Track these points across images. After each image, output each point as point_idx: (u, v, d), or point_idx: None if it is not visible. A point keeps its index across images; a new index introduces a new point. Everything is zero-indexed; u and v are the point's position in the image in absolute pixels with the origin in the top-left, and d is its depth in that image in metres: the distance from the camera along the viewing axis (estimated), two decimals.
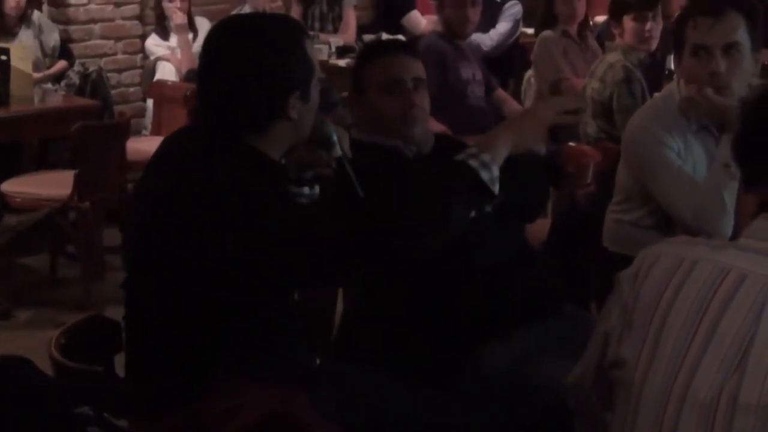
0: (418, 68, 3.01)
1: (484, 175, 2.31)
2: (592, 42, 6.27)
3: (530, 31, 7.10)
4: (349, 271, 2.37)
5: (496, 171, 2.34)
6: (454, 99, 5.50)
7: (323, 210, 2.45)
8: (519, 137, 2.45)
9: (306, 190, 2.62)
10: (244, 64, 2.34)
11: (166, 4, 7.00)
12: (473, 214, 2.39)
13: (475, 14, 5.76)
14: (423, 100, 2.99)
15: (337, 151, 2.55)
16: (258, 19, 2.61)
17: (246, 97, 2.33)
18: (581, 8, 6.23)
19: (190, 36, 6.99)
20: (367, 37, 7.82)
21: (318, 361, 2.55)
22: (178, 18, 6.94)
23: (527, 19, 7.52)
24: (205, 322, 2.28)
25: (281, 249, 2.20)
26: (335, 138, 2.54)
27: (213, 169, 2.26)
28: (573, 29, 6.19)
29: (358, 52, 3.36)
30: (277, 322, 2.40)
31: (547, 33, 6.18)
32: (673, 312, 1.65)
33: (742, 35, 3.14)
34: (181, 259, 2.24)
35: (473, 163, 2.32)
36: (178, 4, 6.95)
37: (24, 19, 6.51)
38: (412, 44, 3.20)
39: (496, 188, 2.34)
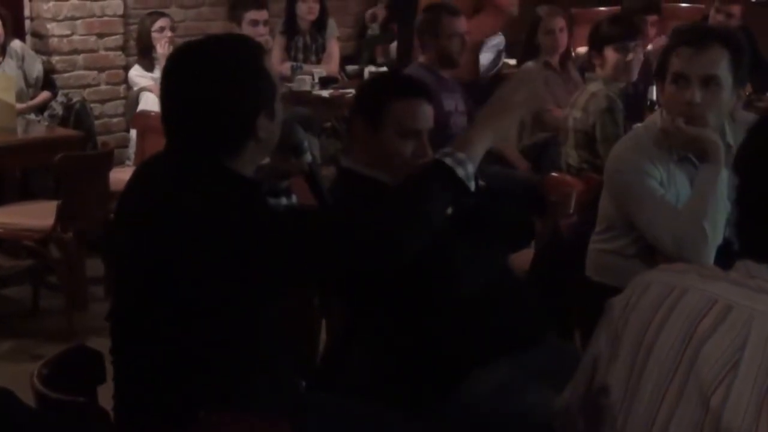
0: (432, 117, 2.99)
1: (460, 172, 2.36)
2: (574, 73, 6.31)
3: (513, 62, 7.14)
4: (334, 273, 2.39)
5: (471, 168, 2.39)
6: (437, 130, 5.49)
7: (302, 216, 2.49)
8: (494, 132, 2.49)
9: (283, 200, 2.65)
10: (210, 90, 2.33)
11: (156, 35, 7.02)
12: (450, 211, 2.45)
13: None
14: (431, 150, 2.94)
15: (308, 158, 2.60)
16: (215, 42, 2.61)
17: (215, 122, 2.33)
18: (563, 40, 6.27)
19: None
20: (351, 68, 7.87)
21: (304, 385, 2.54)
22: (161, 48, 6.96)
23: (510, 49, 7.57)
24: (190, 351, 2.28)
25: (266, 264, 2.22)
26: (306, 144, 2.59)
27: (189, 191, 2.25)
28: (555, 60, 6.24)
29: (380, 84, 3.28)
30: (262, 348, 2.39)
31: (528, 64, 6.21)
32: (660, 340, 1.66)
33: (723, 69, 3.15)
34: (163, 285, 2.24)
35: (448, 161, 2.37)
36: (168, 34, 6.97)
37: (6, 49, 6.51)
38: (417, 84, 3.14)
39: (472, 185, 2.39)
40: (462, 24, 5.85)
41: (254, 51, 2.42)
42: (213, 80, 2.34)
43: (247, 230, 2.19)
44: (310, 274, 2.35)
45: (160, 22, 7.02)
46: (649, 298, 1.71)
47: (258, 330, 2.37)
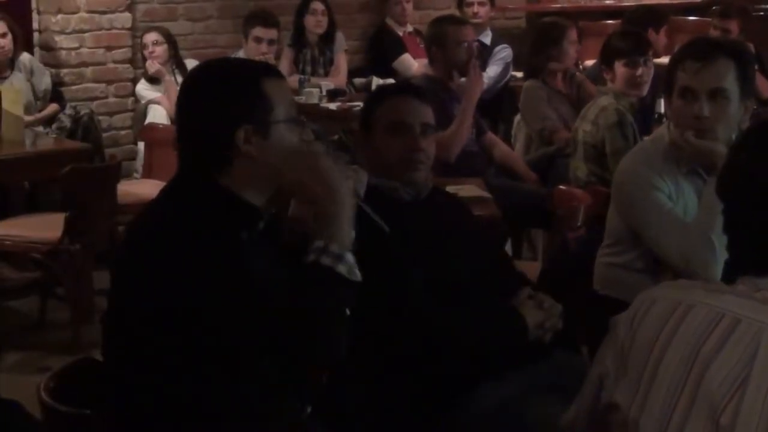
0: (427, 114, 3.01)
1: (342, 269, 2.26)
2: (575, 88, 6.27)
3: (520, 74, 7.13)
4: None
5: (350, 258, 2.28)
6: None
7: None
8: (343, 201, 2.31)
9: None
10: (194, 100, 2.39)
11: (145, 53, 7.06)
12: (348, 311, 2.31)
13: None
14: (429, 146, 3.00)
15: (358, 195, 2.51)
16: (221, 61, 2.65)
17: (197, 131, 2.37)
18: (574, 52, 6.26)
19: (180, 78, 7.02)
20: (358, 81, 7.88)
21: (309, 410, 2.52)
22: (150, 68, 7.00)
23: (517, 62, 7.57)
24: (186, 374, 2.25)
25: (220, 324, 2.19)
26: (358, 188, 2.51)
27: (179, 212, 2.29)
28: (557, 77, 6.19)
29: (371, 92, 3.34)
30: (264, 371, 2.34)
31: (530, 82, 6.20)
32: (667, 356, 1.64)
33: (730, 82, 3.15)
34: (153, 309, 2.23)
35: (325, 261, 2.26)
36: (154, 50, 6.99)
37: (14, 62, 6.52)
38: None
39: (357, 275, 2.29)
40: (469, 33, 5.88)
41: (253, 70, 2.43)
42: (198, 93, 2.40)
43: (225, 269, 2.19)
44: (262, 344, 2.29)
45: (144, 39, 7.06)
46: (654, 315, 1.70)
47: (256, 358, 2.31)
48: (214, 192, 2.32)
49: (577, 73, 6.35)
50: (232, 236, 2.28)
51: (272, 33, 7.15)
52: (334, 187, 2.30)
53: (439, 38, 5.75)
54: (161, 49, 7.01)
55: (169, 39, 7.10)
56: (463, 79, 5.74)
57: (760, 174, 1.70)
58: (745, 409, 1.55)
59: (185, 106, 2.42)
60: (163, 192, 2.42)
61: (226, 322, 2.19)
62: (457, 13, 8.11)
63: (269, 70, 2.46)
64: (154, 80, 7.08)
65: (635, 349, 1.69)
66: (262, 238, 2.40)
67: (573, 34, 6.24)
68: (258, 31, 7.11)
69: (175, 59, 7.12)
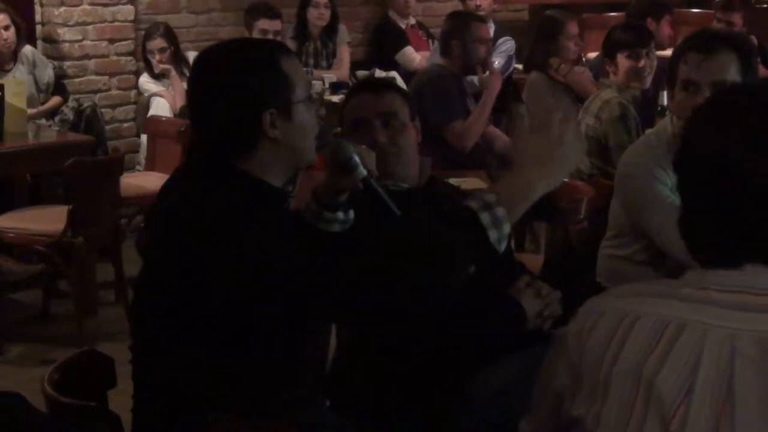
0: (387, 103, 2.94)
1: (492, 234, 2.18)
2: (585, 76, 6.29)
3: (522, 66, 7.13)
4: (351, 314, 2.29)
5: (507, 228, 2.20)
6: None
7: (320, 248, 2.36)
8: (551, 181, 2.28)
9: (340, 215, 2.56)
10: (214, 86, 2.32)
11: (149, 56, 7.04)
12: (472, 270, 2.25)
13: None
14: (396, 134, 2.92)
15: (362, 172, 2.45)
16: (234, 42, 2.61)
17: (220, 117, 2.31)
18: (573, 48, 6.27)
19: (185, 71, 7.02)
20: (361, 73, 7.88)
21: (328, 404, 2.52)
22: (156, 69, 6.99)
23: (519, 55, 7.57)
24: (210, 362, 2.25)
25: (277, 284, 2.16)
26: (356, 159, 2.45)
27: (207, 199, 2.24)
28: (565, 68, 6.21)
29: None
30: (286, 363, 2.33)
31: (534, 75, 6.20)
32: (617, 368, 1.60)
33: (732, 74, 3.15)
34: (182, 295, 2.23)
35: (485, 219, 2.17)
36: (159, 57, 6.98)
37: (17, 54, 6.52)
38: (407, 79, 3.20)
39: (502, 247, 2.21)
40: (488, 31, 5.93)
41: (270, 50, 2.38)
42: (218, 73, 2.34)
43: (257, 249, 2.15)
44: (316, 313, 2.30)
45: (148, 46, 7.03)
46: (601, 329, 1.64)
47: (282, 345, 2.31)
48: (237, 178, 2.28)
49: (575, 68, 6.36)
50: (264, 217, 2.25)
51: (277, 24, 7.15)
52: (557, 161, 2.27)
53: (461, 32, 5.75)
54: (167, 55, 6.99)
55: (173, 40, 7.07)
56: (485, 74, 5.79)
57: (715, 148, 1.63)
58: (692, 416, 1.52)
59: (204, 93, 2.36)
60: (179, 180, 2.38)
61: (262, 297, 2.16)
62: (460, 5, 8.12)
63: (284, 49, 2.43)
64: (153, 74, 7.07)
65: (586, 362, 1.64)
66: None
67: (571, 28, 6.24)
68: (263, 23, 7.10)
69: (179, 55, 7.11)
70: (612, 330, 1.63)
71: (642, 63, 5.05)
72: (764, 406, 1.50)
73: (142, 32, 7.25)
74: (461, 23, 5.84)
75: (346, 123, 3.00)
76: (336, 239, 2.57)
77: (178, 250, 2.24)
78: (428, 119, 4.96)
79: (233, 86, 2.29)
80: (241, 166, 2.30)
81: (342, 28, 7.95)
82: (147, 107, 7.07)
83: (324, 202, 2.55)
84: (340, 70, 7.78)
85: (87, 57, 7.22)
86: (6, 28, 6.39)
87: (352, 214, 2.60)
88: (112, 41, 7.31)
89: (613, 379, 1.60)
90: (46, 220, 5.47)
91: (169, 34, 7.07)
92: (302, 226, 2.54)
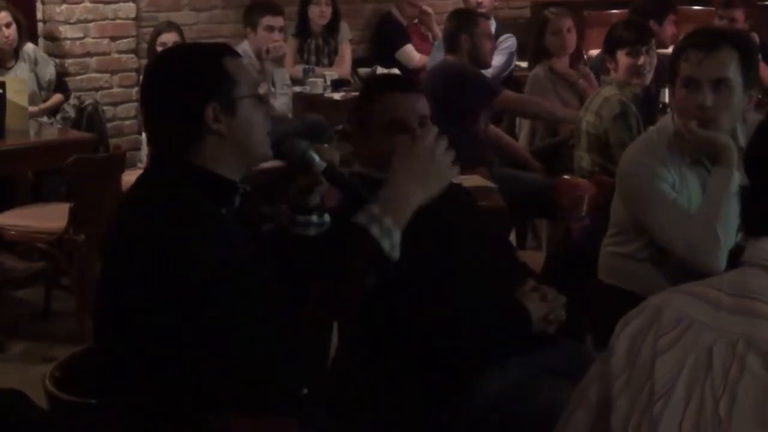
0: (423, 106, 2.94)
1: (385, 244, 2.33)
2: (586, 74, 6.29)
3: (525, 64, 7.13)
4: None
5: (397, 236, 2.35)
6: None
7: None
8: (427, 188, 2.44)
9: (314, 218, 2.63)
10: (160, 81, 2.44)
11: (160, 49, 7.02)
12: (373, 281, 2.35)
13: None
14: None
15: (320, 164, 2.55)
16: (181, 46, 2.72)
17: (164, 110, 2.41)
18: (571, 41, 6.25)
19: None
20: (362, 71, 7.88)
21: (305, 391, 2.52)
22: None
23: (521, 52, 7.57)
24: (182, 355, 2.24)
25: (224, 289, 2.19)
26: (311, 153, 2.55)
27: (158, 193, 2.32)
28: (563, 62, 6.20)
29: (361, 89, 3.31)
30: (260, 352, 2.32)
31: (536, 71, 6.21)
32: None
33: (733, 71, 3.14)
34: (147, 292, 2.22)
35: (375, 231, 2.32)
36: None
37: (19, 52, 6.52)
38: (414, 79, 3.19)
39: (396, 254, 2.34)
40: (491, 28, 6.13)
41: (213, 50, 2.48)
42: (164, 74, 2.45)
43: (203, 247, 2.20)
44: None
45: (161, 38, 6.99)
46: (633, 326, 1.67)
47: (255, 338, 2.30)
48: (190, 170, 2.36)
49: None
50: (214, 211, 2.34)
51: (281, 21, 7.11)
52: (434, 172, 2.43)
53: (471, 27, 5.80)
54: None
55: (182, 35, 7.07)
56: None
57: None
58: (670, 409, 1.53)
59: (151, 91, 2.46)
60: (140, 179, 2.44)
61: (219, 296, 2.19)
62: (461, 3, 8.13)
63: (228, 50, 2.50)
64: None
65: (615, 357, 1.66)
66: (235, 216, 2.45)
67: (559, 24, 6.23)
68: (269, 20, 7.04)
69: None
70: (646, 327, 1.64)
71: (642, 60, 5.04)
72: (763, 421, 1.49)
73: (144, 30, 7.24)
74: (469, 18, 5.91)
75: (377, 122, 2.92)
76: (315, 243, 2.63)
77: (122, 251, 2.31)
78: (465, 104, 5.49)
79: (176, 81, 2.40)
80: (193, 160, 2.37)
81: (343, 26, 7.95)
82: None
83: (295, 205, 2.62)
84: (342, 68, 7.79)
85: (88, 54, 7.22)
86: (7, 25, 6.38)
87: (327, 217, 2.64)
88: (113, 39, 7.31)
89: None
90: (48, 217, 5.48)
91: (180, 32, 7.07)
92: (282, 239, 2.64)
